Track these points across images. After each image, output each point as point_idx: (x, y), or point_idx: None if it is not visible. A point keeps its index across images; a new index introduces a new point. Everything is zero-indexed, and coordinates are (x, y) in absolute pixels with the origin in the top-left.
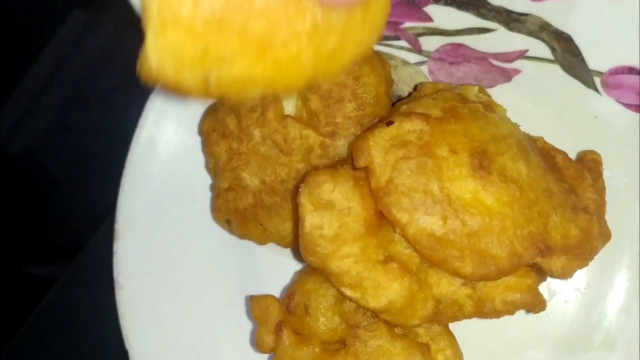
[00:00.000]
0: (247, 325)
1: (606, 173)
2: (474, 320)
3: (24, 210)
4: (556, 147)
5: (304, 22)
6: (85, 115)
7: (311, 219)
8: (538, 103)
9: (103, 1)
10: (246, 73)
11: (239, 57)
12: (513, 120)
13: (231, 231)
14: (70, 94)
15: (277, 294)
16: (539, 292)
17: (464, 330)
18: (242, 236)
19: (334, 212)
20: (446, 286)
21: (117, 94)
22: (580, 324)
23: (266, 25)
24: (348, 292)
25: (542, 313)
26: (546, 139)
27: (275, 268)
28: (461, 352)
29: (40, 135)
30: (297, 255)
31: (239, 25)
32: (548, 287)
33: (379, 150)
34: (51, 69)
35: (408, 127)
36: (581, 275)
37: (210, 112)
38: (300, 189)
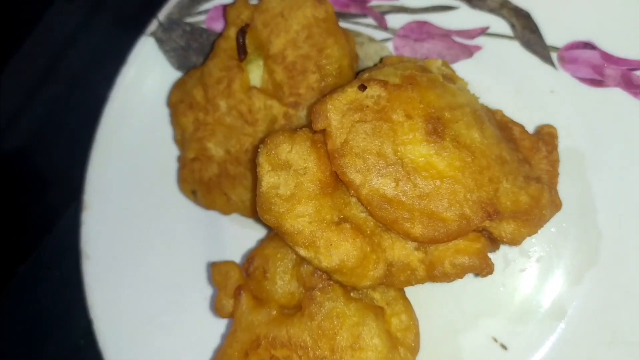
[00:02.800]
0: (209, 292)
1: (561, 146)
2: (431, 288)
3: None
4: (514, 120)
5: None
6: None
7: (268, 179)
8: (498, 78)
9: None
10: None
11: None
12: (474, 93)
13: (197, 202)
14: (59, 86)
15: (240, 262)
16: (487, 257)
17: (421, 298)
18: (207, 206)
19: (290, 172)
20: (399, 250)
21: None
22: (533, 294)
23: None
24: (301, 252)
25: (497, 282)
26: (505, 113)
27: (239, 239)
28: (416, 317)
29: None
30: (259, 223)
31: None
32: (504, 256)
33: (336, 113)
34: (40, 64)
35: (366, 92)
36: (536, 245)
37: (179, 84)
38: (259, 150)
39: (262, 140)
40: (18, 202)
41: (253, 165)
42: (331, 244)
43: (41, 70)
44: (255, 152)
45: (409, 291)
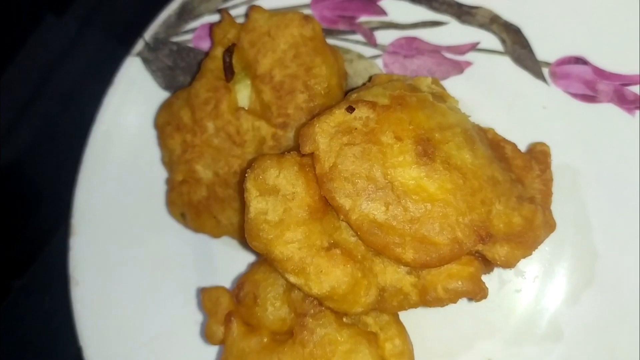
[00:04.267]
0: (202, 319)
1: (554, 163)
2: (425, 311)
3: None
4: (506, 138)
5: None
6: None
7: (256, 204)
8: (489, 94)
9: (84, 10)
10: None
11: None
12: (465, 111)
13: (186, 225)
14: (51, 103)
15: (231, 287)
16: (481, 281)
17: (416, 321)
18: (196, 229)
19: (278, 198)
20: (391, 274)
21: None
22: (529, 315)
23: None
24: (292, 278)
25: (492, 303)
26: (497, 130)
27: (229, 262)
28: (410, 342)
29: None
30: (249, 247)
31: None
32: (499, 276)
33: (324, 136)
34: (33, 79)
35: (354, 114)
36: (531, 265)
37: (166, 106)
38: (246, 174)
39: (251, 163)
40: (8, 220)
41: (242, 187)
42: (321, 271)
43: (31, 86)
44: (243, 174)
45: (403, 314)
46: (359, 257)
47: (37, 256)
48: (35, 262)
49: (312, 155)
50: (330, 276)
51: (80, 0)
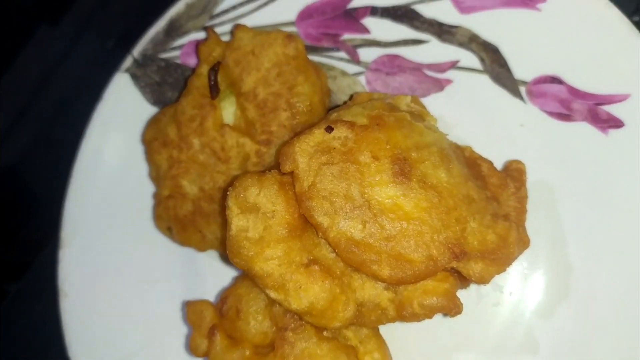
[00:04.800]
0: (185, 330)
1: (530, 179)
2: (405, 324)
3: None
4: (483, 156)
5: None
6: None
7: (237, 222)
8: (469, 111)
9: (79, 18)
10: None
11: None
12: (445, 128)
13: (172, 238)
14: (45, 110)
15: (217, 299)
16: (456, 297)
17: (396, 334)
18: (182, 243)
19: (258, 215)
20: (369, 290)
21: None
22: (507, 327)
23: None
24: (272, 294)
25: (470, 317)
26: (475, 146)
27: (215, 274)
28: (389, 355)
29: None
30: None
31: None
32: (477, 290)
33: (303, 155)
34: (29, 85)
35: (333, 134)
36: (508, 280)
37: (153, 122)
38: (228, 192)
39: (233, 180)
40: (4, 223)
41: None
42: (300, 287)
43: (27, 92)
44: (227, 190)
45: (383, 327)
46: (338, 273)
47: (32, 262)
48: (30, 268)
49: (292, 173)
50: (309, 292)
51: (74, 9)
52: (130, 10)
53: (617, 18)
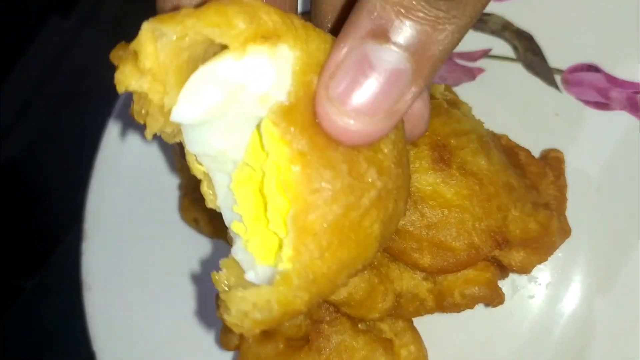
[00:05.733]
0: (214, 324)
1: (568, 169)
2: (440, 316)
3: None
4: (519, 144)
5: (370, 196)
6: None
7: None
8: (502, 101)
9: (86, 10)
10: (337, 267)
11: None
12: (477, 117)
13: (199, 230)
14: (52, 103)
15: None
16: (498, 286)
17: (430, 326)
18: (210, 235)
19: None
20: (408, 280)
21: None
22: (542, 321)
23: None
24: None
25: (506, 309)
26: (510, 136)
27: None
28: (425, 348)
29: (23, 145)
30: None
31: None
32: (512, 283)
33: None
34: (34, 78)
35: None
36: (544, 271)
37: None
38: None
39: None
40: (11, 219)
41: None
42: None
43: (32, 85)
44: None
45: (418, 320)
46: (376, 263)
47: (46, 257)
48: (45, 262)
49: None
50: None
51: (82, 2)
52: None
53: None
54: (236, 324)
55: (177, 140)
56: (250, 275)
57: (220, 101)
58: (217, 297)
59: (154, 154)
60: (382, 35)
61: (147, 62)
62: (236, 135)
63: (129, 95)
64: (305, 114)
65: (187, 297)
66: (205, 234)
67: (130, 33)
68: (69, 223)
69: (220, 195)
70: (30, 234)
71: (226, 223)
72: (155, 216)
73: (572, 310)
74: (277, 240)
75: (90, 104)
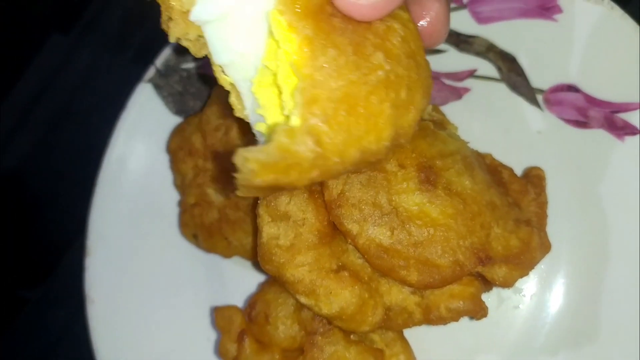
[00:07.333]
0: (214, 337)
1: (549, 185)
2: (428, 328)
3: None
4: (503, 163)
5: (377, 75)
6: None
7: (268, 230)
8: (487, 119)
9: (83, 26)
10: (345, 137)
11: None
12: (463, 136)
13: (198, 245)
14: (52, 116)
15: (242, 305)
16: (481, 300)
17: (419, 337)
18: (208, 250)
19: (289, 223)
20: (396, 294)
21: (96, 113)
22: (528, 330)
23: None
24: (302, 299)
25: (492, 320)
26: (494, 153)
27: (240, 280)
28: (415, 357)
29: (24, 156)
30: (259, 267)
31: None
32: (498, 294)
33: None
34: (34, 92)
35: None
36: (528, 283)
37: (178, 131)
38: (258, 201)
39: None
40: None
41: (252, 210)
42: (331, 292)
43: (32, 96)
44: (253, 200)
45: (407, 330)
46: (366, 278)
47: (52, 268)
48: (50, 274)
49: (321, 182)
50: (339, 297)
51: (84, 18)
52: (133, 16)
53: (632, 29)
54: (240, 175)
55: (203, 53)
56: None
57: None
58: (215, 309)
59: (155, 171)
60: None
61: None
62: (254, 38)
63: (130, 112)
64: (312, 4)
65: (186, 309)
66: (203, 249)
67: (130, 48)
68: (74, 235)
69: (247, 104)
70: (35, 245)
71: (252, 125)
72: (156, 232)
73: (555, 319)
74: None
75: (91, 119)
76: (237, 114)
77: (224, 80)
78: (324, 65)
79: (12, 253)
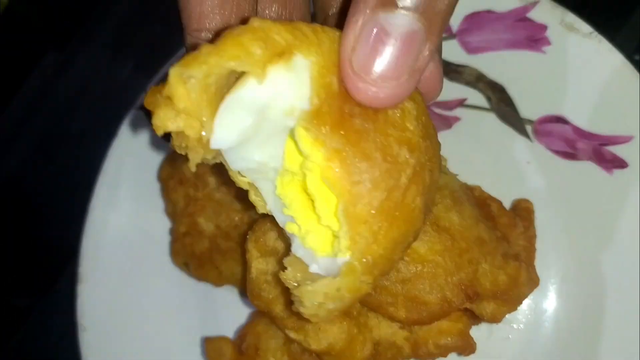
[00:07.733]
0: None
1: (538, 217)
2: None
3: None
4: (492, 195)
5: (406, 174)
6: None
7: (257, 265)
8: (476, 149)
9: (77, 43)
10: (392, 246)
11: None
12: (452, 166)
13: (189, 274)
14: (43, 136)
15: (233, 333)
16: (470, 336)
17: None
18: (199, 278)
19: (277, 259)
20: (385, 329)
21: (87, 136)
22: None
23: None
24: (292, 335)
25: (482, 352)
26: (483, 183)
27: (231, 309)
28: None
29: (16, 172)
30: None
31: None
32: (488, 326)
33: None
34: (25, 111)
35: None
36: (518, 314)
37: (169, 160)
38: (247, 236)
39: (252, 218)
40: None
41: (243, 240)
42: (319, 328)
43: (27, 105)
44: (244, 227)
45: None
46: (355, 313)
47: (53, 281)
48: (51, 286)
49: None
50: (328, 333)
51: (81, 33)
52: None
53: (620, 62)
54: (313, 315)
55: (217, 161)
56: (314, 268)
57: (251, 123)
58: (205, 340)
59: (146, 199)
60: (389, 3)
61: (181, 104)
62: (272, 147)
63: (121, 138)
64: (332, 113)
65: (177, 338)
66: (195, 277)
67: (124, 50)
68: (72, 250)
69: (269, 201)
70: (35, 255)
71: (280, 225)
72: (148, 260)
73: (545, 350)
74: (331, 233)
75: (83, 142)
76: (261, 210)
77: (241, 181)
78: (359, 180)
79: (12, 262)
